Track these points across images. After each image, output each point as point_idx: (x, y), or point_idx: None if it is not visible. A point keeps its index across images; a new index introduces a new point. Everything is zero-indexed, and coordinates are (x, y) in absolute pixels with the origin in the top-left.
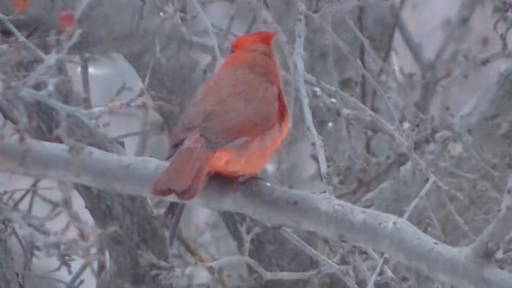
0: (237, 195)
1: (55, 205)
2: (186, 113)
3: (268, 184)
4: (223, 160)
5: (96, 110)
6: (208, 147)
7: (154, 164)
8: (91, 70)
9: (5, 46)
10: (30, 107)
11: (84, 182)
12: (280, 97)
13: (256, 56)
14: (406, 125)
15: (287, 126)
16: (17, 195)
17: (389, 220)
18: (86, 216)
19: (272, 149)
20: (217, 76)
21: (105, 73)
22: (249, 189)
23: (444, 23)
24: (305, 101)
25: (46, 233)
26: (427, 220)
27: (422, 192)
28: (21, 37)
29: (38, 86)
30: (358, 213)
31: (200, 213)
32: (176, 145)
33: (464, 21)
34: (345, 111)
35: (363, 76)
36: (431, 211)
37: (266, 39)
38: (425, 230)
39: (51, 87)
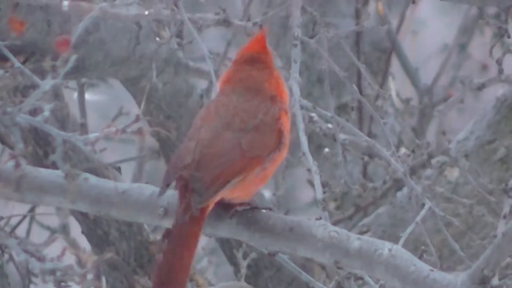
0: (233, 222)
1: (52, 231)
2: (182, 146)
3: (264, 211)
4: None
5: (91, 136)
6: (196, 204)
7: (150, 191)
8: (87, 95)
9: (0, 71)
10: (26, 133)
11: (80, 209)
12: (281, 115)
13: (252, 73)
14: (403, 150)
15: (286, 146)
16: (14, 221)
17: (385, 247)
18: (83, 242)
19: (272, 171)
20: (215, 101)
21: (102, 98)
22: (245, 216)
23: (441, 48)
24: (301, 126)
25: (42, 259)
26: (422, 247)
27: (418, 218)
28: (17, 62)
29: (34, 112)
30: (354, 240)
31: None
32: (167, 185)
33: (462, 47)
34: (341, 137)
35: (359, 101)
36: (428, 236)
37: (259, 45)
38: (421, 257)
39: (46, 113)
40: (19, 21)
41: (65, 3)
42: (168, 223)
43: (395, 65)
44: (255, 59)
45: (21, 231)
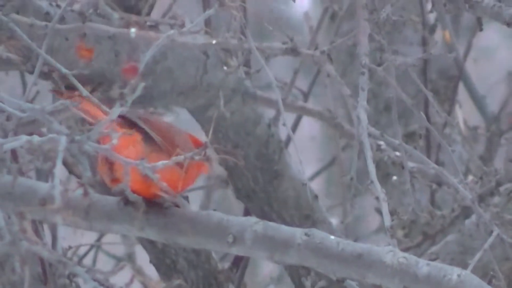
0: (301, 248)
1: (119, 260)
2: None
3: (332, 237)
4: None
5: (159, 163)
6: None
7: (218, 218)
8: None
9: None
10: (94, 161)
11: (148, 236)
12: None
13: None
14: (471, 177)
15: None
16: (81, 250)
17: (454, 273)
18: (151, 271)
19: None
20: None
21: None
22: (314, 242)
23: (508, 75)
24: (369, 154)
25: (110, 287)
26: (491, 273)
27: (486, 245)
28: (85, 91)
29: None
30: (423, 266)
31: (265, 267)
32: None
33: None
34: (409, 164)
35: (427, 129)
36: (496, 263)
37: None
38: (489, 283)
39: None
40: (86, 48)
41: (133, 30)
42: (237, 251)
43: (462, 92)
44: None
45: (87, 260)
